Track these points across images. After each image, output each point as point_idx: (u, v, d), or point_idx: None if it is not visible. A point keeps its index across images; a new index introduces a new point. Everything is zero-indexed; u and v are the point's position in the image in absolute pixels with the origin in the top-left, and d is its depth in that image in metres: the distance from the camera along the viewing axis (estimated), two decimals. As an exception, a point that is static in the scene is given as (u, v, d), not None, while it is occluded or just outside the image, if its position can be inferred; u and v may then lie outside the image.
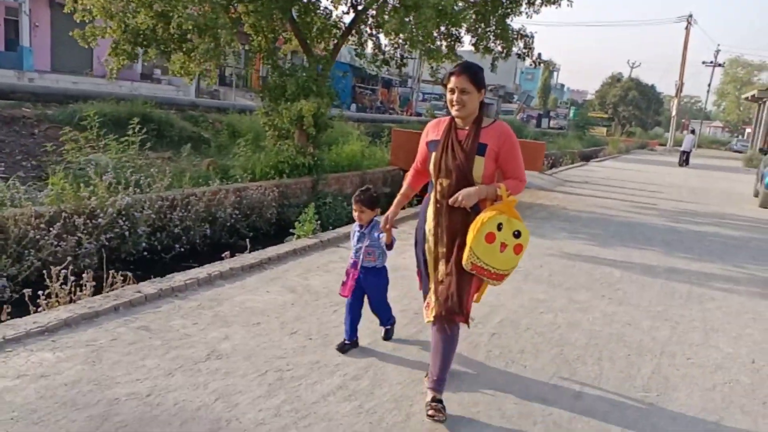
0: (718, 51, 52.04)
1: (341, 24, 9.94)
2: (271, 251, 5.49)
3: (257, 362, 3.27)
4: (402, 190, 3.19)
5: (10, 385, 2.80)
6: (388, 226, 3.13)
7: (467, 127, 2.79)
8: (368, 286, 3.42)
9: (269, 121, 10.12)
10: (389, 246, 3.24)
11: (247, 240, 5.92)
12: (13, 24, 23.57)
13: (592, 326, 4.28)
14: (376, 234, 3.32)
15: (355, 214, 3.39)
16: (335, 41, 9.86)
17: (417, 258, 3.02)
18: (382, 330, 3.67)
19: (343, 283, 3.41)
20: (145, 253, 6.32)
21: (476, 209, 2.71)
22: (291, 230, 6.66)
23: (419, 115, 36.88)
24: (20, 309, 3.93)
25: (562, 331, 4.12)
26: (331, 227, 7.64)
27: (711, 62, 51.14)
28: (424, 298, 2.94)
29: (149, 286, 4.18)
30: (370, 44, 11.12)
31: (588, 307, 4.69)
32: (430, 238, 2.84)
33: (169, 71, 10.90)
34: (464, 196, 2.66)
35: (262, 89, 10.43)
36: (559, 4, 10.44)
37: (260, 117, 10.53)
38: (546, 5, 10.08)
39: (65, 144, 8.34)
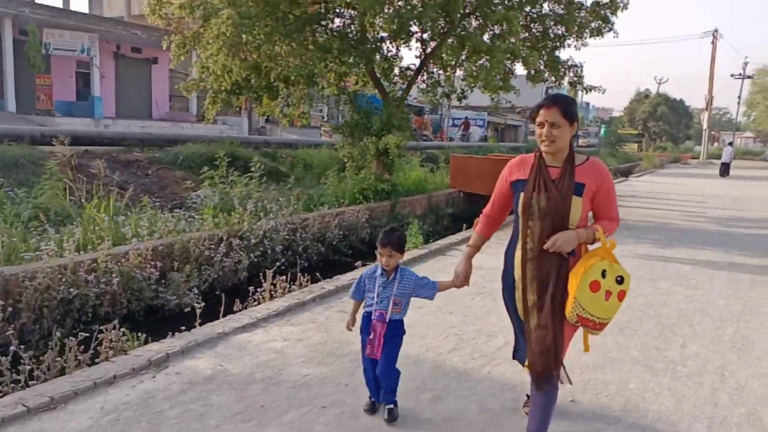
0: (746, 63, 52.50)
1: (412, 66, 11.28)
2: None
3: (438, 330, 4.42)
4: (471, 241, 2.92)
5: (284, 345, 4.01)
6: (462, 282, 2.90)
7: (559, 165, 2.57)
8: (388, 339, 2.93)
9: (349, 153, 11.46)
10: (431, 297, 3.02)
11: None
12: (82, 75, 25.76)
13: (678, 305, 5.33)
14: (410, 278, 2.98)
15: (383, 260, 2.92)
16: (407, 82, 11.20)
17: (506, 305, 2.80)
18: (385, 411, 3.04)
19: (370, 342, 2.91)
20: (282, 267, 7.57)
21: (572, 254, 2.54)
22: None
23: (451, 140, 38.26)
24: (207, 314, 5.04)
25: (655, 309, 5.19)
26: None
27: (740, 75, 51.56)
28: (516, 342, 2.87)
29: (327, 284, 5.40)
30: (428, 78, 12.43)
31: (670, 292, 5.74)
32: (519, 286, 2.62)
33: (256, 113, 12.41)
34: (563, 240, 2.46)
35: (341, 126, 11.78)
36: (602, 36, 11.63)
37: (340, 150, 11.88)
38: (593, 37, 11.24)
39: (178, 181, 9.77)
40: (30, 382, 3.45)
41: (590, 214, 2.66)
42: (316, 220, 8.57)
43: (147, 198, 8.01)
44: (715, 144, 70.90)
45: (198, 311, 4.55)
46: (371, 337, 2.91)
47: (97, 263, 5.53)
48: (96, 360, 3.72)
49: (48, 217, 6.95)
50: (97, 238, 5.98)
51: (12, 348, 3.77)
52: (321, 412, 3.10)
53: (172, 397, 3.16)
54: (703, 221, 11.07)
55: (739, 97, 55.08)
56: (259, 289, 5.30)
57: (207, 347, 3.88)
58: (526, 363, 2.61)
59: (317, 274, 6.20)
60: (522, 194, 2.59)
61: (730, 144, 32.37)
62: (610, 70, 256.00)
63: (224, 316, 4.58)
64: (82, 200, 7.71)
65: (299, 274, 5.78)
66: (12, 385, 3.52)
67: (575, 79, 11.64)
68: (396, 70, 10.80)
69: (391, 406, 3.03)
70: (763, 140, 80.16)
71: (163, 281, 6.03)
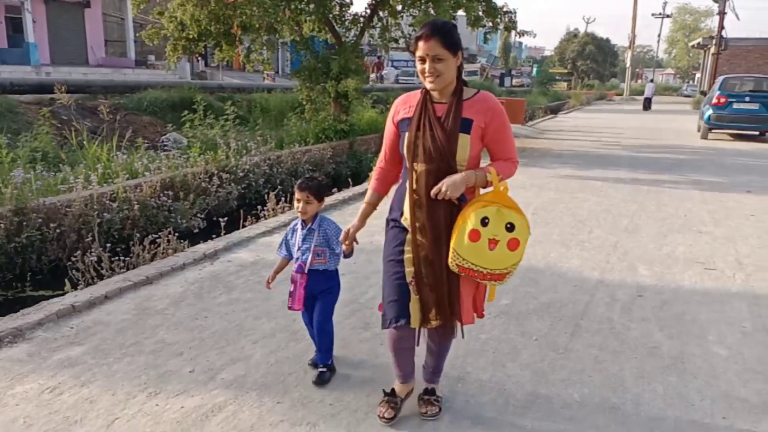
0: (665, 2, 55.35)
1: (363, 15, 12.20)
2: (355, 190, 7.94)
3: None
4: (366, 198, 2.61)
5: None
6: (348, 242, 2.59)
7: (445, 101, 2.32)
8: (320, 292, 2.82)
9: (308, 96, 12.41)
10: (347, 255, 2.70)
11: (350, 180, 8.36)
12: (12, 21, 24.78)
13: (590, 207, 6.92)
14: (327, 230, 2.79)
15: (299, 206, 2.77)
16: (360, 28, 12.15)
17: (385, 257, 2.48)
18: (315, 373, 2.88)
19: (291, 294, 2.80)
20: (264, 197, 8.70)
21: (463, 200, 2.29)
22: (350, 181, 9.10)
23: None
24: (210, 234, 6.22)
25: (572, 211, 6.74)
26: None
27: (660, 14, 54.38)
28: (384, 299, 2.47)
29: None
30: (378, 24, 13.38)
31: (585, 200, 7.33)
32: (409, 236, 2.36)
33: (216, 59, 13.07)
34: (449, 185, 2.21)
35: (299, 71, 12.65)
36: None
37: (299, 93, 12.79)
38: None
39: (146, 126, 10.53)
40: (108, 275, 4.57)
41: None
42: (288, 157, 9.66)
43: (141, 140, 8.82)
44: (639, 81, 74.80)
45: (222, 224, 5.71)
46: (291, 289, 2.79)
47: (117, 193, 6.51)
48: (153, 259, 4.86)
49: (46, 159, 7.76)
50: (112, 173, 6.91)
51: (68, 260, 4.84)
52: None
53: (232, 273, 4.38)
54: (617, 149, 12.90)
55: (659, 35, 58.33)
56: (257, 210, 6.48)
57: (241, 246, 5.08)
58: (414, 319, 2.36)
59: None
60: (407, 134, 2.36)
61: (652, 81, 35.09)
62: (542, 11, 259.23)
63: (227, 234, 5.79)
64: (74, 143, 8.49)
65: (285, 197, 6.95)
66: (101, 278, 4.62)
67: (510, 24, 12.89)
68: (348, 17, 11.72)
69: (323, 369, 2.85)
70: (682, 76, 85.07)
71: (170, 208, 7.07)
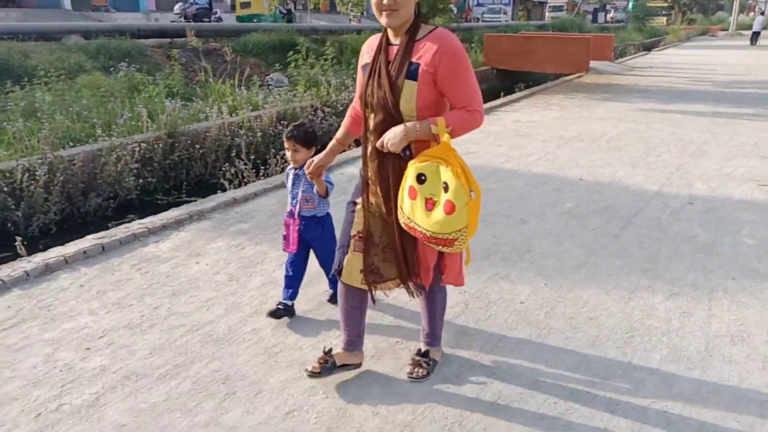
0: None
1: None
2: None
3: (493, 153, 6.61)
4: (337, 134, 2.56)
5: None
6: (310, 171, 2.59)
7: (399, 42, 2.11)
8: (312, 238, 2.91)
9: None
10: (323, 195, 2.79)
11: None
12: (122, -29, 26.77)
13: (663, 136, 7.41)
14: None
15: (288, 154, 2.82)
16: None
17: (348, 204, 2.38)
18: (328, 293, 3.16)
19: (285, 237, 2.89)
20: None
21: (406, 155, 2.12)
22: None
23: (476, 20, 38.57)
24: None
25: (645, 139, 7.27)
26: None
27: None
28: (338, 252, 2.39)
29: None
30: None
31: (660, 130, 7.79)
32: (368, 186, 2.26)
33: (311, 2, 13.98)
34: (389, 138, 2.06)
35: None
36: None
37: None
38: None
39: (252, 66, 11.72)
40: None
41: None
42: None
43: (255, 78, 10.05)
44: (750, 14, 68.34)
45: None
46: (285, 233, 2.89)
47: (243, 123, 7.75)
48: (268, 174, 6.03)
49: (177, 94, 9.13)
50: (237, 105, 8.17)
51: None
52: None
53: (344, 183, 5.45)
54: (706, 85, 12.79)
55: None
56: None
57: (349, 164, 6.12)
58: (346, 275, 2.31)
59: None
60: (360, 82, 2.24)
61: (762, 13, 32.45)
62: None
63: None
64: (202, 80, 9.84)
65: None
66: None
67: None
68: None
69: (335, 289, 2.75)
70: (803, 8, 76.55)
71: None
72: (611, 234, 4.15)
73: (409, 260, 2.24)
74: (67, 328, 2.84)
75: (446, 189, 1.97)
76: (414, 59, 2.05)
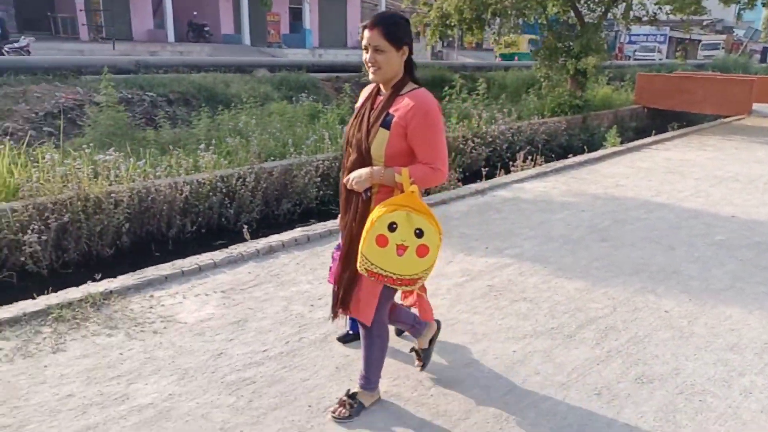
0: None
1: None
2: (601, 153, 9.04)
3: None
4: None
5: (545, 187, 6.76)
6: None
7: (385, 93, 2.32)
8: None
9: (546, 74, 13.61)
10: None
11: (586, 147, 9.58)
12: (293, 10, 29.96)
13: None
14: None
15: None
16: (603, 10, 12.92)
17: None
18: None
19: (331, 270, 2.79)
20: (506, 161, 10.31)
21: (367, 195, 2.30)
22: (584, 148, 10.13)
23: (628, 58, 37.41)
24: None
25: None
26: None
27: None
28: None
29: (554, 164, 8.00)
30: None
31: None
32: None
33: (465, 41, 14.89)
34: (354, 177, 2.26)
35: (539, 51, 13.87)
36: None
37: (537, 71, 14.04)
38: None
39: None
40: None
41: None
42: (527, 127, 11.12)
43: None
44: None
45: (484, 173, 7.49)
46: (332, 265, 2.73)
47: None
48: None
49: (347, 120, 10.34)
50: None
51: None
52: (578, 212, 5.80)
53: (497, 204, 6.07)
54: None
55: None
56: (508, 164, 8.10)
57: (501, 188, 6.74)
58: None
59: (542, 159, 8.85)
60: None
61: None
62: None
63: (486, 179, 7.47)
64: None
65: (529, 158, 8.43)
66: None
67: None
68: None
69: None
70: None
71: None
72: (761, 266, 4.34)
73: (348, 292, 2.40)
74: (294, 291, 3.76)
75: (419, 235, 2.15)
76: (391, 111, 2.24)
